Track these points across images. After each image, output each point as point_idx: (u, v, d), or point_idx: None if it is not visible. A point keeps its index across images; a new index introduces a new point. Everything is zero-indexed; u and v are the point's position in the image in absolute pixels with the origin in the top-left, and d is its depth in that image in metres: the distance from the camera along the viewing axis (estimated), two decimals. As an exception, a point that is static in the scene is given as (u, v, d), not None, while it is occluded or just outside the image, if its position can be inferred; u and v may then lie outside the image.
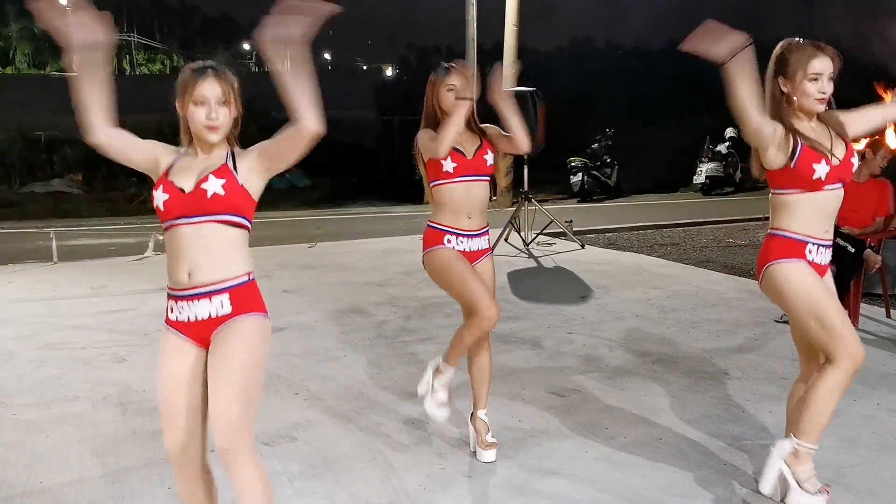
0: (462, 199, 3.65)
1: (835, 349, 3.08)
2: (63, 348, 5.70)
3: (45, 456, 3.85)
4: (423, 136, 3.67)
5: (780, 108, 3.13)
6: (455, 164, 3.61)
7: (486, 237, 3.81)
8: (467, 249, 3.70)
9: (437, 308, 6.77)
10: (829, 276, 3.28)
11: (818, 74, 3.04)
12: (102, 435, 4.10)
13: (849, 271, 6.10)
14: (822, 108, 3.10)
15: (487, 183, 3.73)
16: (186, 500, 2.66)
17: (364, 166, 22.20)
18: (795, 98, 3.10)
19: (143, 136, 2.62)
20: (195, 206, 2.49)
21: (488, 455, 3.78)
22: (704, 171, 19.53)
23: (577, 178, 18.34)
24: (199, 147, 2.60)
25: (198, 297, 2.52)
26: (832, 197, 3.14)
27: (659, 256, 9.98)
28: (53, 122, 23.45)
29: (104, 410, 4.47)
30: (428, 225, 3.78)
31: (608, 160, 18.76)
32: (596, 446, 3.95)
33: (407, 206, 17.15)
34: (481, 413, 3.88)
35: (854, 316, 6.22)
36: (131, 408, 4.50)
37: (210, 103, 2.51)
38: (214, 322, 2.53)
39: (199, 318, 2.53)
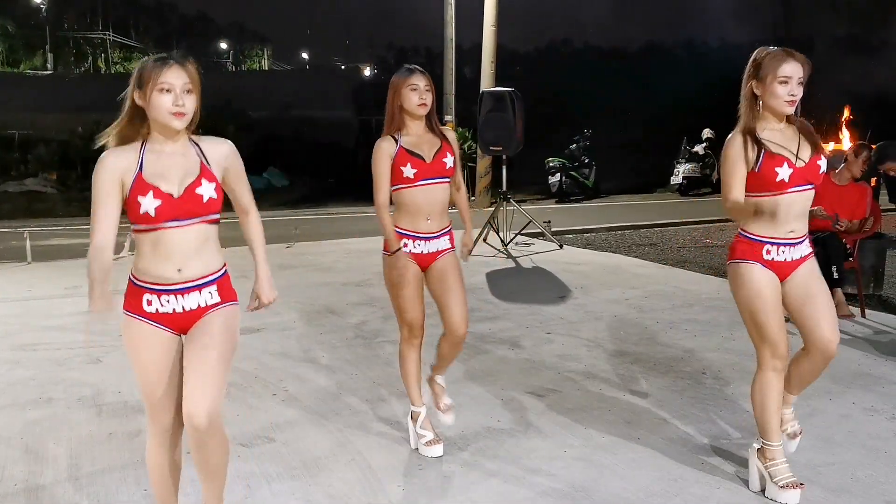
0: (421, 202, 3.69)
1: (762, 352, 3.36)
2: (37, 349, 5.63)
3: (19, 458, 3.80)
4: (381, 162, 3.68)
5: (752, 108, 3.30)
6: (415, 170, 3.64)
7: (447, 237, 3.82)
8: (424, 252, 3.75)
9: (416, 308, 6.75)
10: (809, 266, 3.38)
11: (787, 78, 3.20)
12: (78, 437, 4.06)
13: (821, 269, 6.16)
14: (790, 109, 3.26)
15: (447, 185, 3.77)
16: (165, 486, 2.84)
17: (342, 166, 22.16)
18: (765, 101, 3.27)
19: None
20: (187, 210, 2.56)
21: (447, 418, 3.91)
22: (681, 171, 19.65)
23: (555, 179, 18.38)
24: (164, 138, 2.59)
25: (188, 290, 2.64)
26: (798, 199, 3.31)
27: (637, 257, 10.03)
28: (27, 121, 23.22)
29: (79, 412, 4.42)
30: None
31: (586, 160, 18.81)
32: (574, 446, 3.95)
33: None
34: (439, 378, 3.98)
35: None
36: (107, 409, 4.45)
37: (176, 90, 2.51)
38: (201, 311, 2.68)
39: (187, 309, 2.66)
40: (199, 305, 2.67)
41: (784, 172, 3.24)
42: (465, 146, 17.42)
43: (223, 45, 68.53)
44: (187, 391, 2.61)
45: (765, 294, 3.31)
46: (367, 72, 49.94)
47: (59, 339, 5.88)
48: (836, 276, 6.17)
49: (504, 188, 10.89)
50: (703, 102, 27.25)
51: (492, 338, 5.94)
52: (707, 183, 19.86)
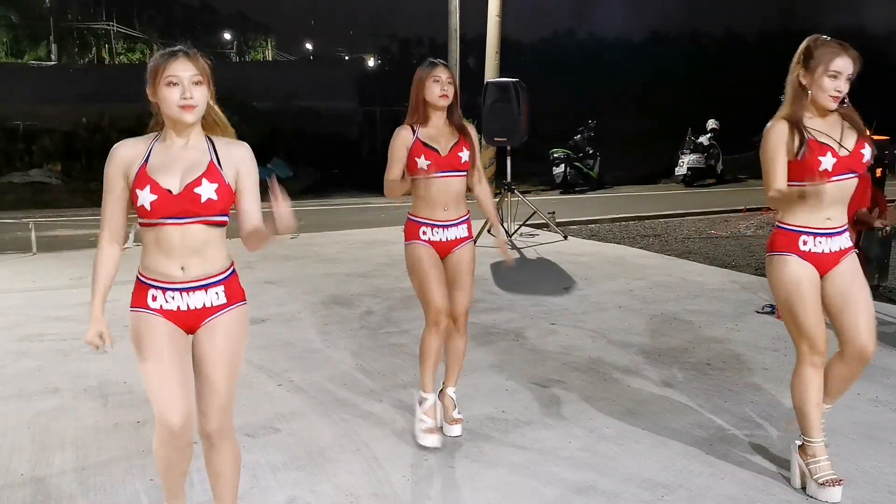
0: (437, 192, 3.79)
1: (800, 346, 3.32)
2: (43, 340, 5.65)
3: (25, 448, 3.81)
4: (396, 148, 3.79)
5: (799, 97, 3.23)
6: (429, 162, 3.71)
7: (465, 225, 3.92)
8: (443, 239, 3.85)
9: (421, 299, 6.75)
10: (849, 264, 3.32)
11: (837, 72, 3.14)
12: (83, 427, 4.07)
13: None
14: (834, 105, 3.19)
15: (463, 177, 3.86)
16: (172, 475, 2.75)
17: (346, 157, 22.10)
18: (811, 91, 3.19)
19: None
20: (185, 208, 2.49)
21: (454, 430, 3.93)
22: (686, 162, 19.55)
23: (559, 170, 18.32)
24: (175, 133, 2.54)
25: (194, 289, 2.58)
26: (840, 187, 3.24)
27: (641, 248, 10.01)
28: (32, 112, 23.20)
29: (85, 402, 4.43)
30: (407, 216, 3.93)
31: (590, 151, 18.74)
32: (579, 437, 3.96)
33: (389, 197, 17.03)
34: (450, 390, 4.02)
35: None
36: (112, 399, 4.46)
37: (183, 83, 2.46)
38: (207, 311, 2.62)
39: (192, 308, 2.60)
40: (204, 305, 2.60)
41: (828, 161, 3.17)
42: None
43: (227, 36, 68.33)
44: (199, 406, 2.64)
45: (802, 288, 3.25)
46: (370, 62, 49.70)
47: (64, 330, 5.90)
48: None
49: (508, 179, 10.87)
50: (708, 93, 27.16)
51: (496, 329, 5.94)
52: (712, 174, 19.78)
